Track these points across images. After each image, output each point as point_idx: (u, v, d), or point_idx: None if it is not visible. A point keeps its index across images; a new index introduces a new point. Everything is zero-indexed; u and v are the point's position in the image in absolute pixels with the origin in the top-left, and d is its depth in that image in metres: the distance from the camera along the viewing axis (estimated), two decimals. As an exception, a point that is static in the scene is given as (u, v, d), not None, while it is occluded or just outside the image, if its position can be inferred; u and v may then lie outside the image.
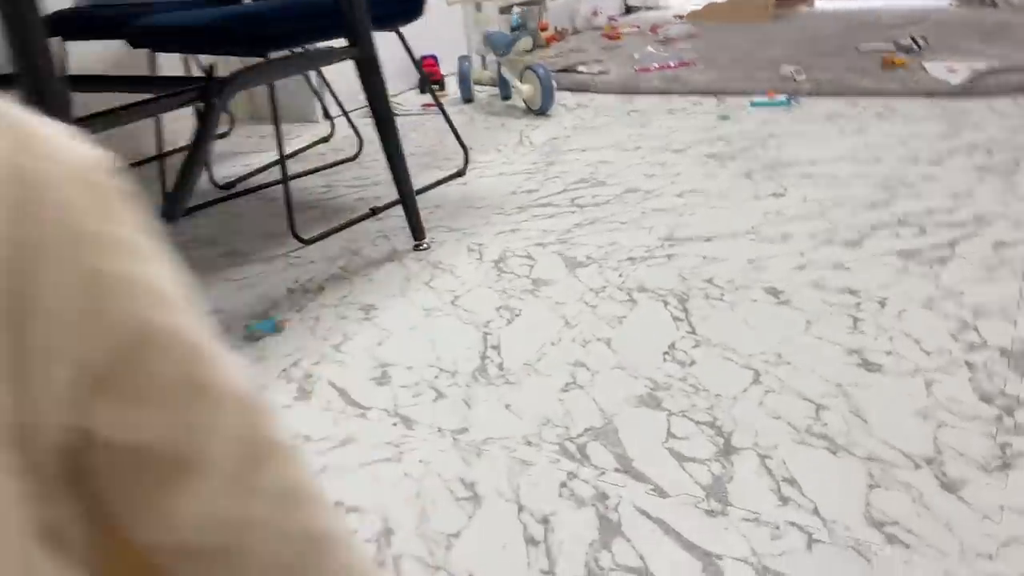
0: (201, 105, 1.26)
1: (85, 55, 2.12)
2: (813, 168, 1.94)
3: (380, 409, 1.15)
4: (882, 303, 1.30)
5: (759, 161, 2.03)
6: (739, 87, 2.68)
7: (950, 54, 2.74)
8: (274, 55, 1.53)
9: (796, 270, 1.44)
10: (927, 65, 2.60)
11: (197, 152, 1.18)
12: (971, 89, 2.35)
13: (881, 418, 1.03)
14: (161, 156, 2.09)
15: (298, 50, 1.75)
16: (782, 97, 2.52)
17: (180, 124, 2.47)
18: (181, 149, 2.49)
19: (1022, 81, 2.33)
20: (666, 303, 1.38)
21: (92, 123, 1.07)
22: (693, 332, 1.28)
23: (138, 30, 1.63)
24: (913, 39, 2.89)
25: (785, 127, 2.29)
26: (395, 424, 1.11)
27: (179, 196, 1.13)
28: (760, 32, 3.56)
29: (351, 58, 1.52)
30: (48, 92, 1.01)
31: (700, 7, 4.25)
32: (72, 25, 1.98)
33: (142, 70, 2.08)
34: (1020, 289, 1.29)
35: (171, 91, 1.22)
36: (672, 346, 1.24)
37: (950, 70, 2.51)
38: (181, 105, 1.24)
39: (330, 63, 1.56)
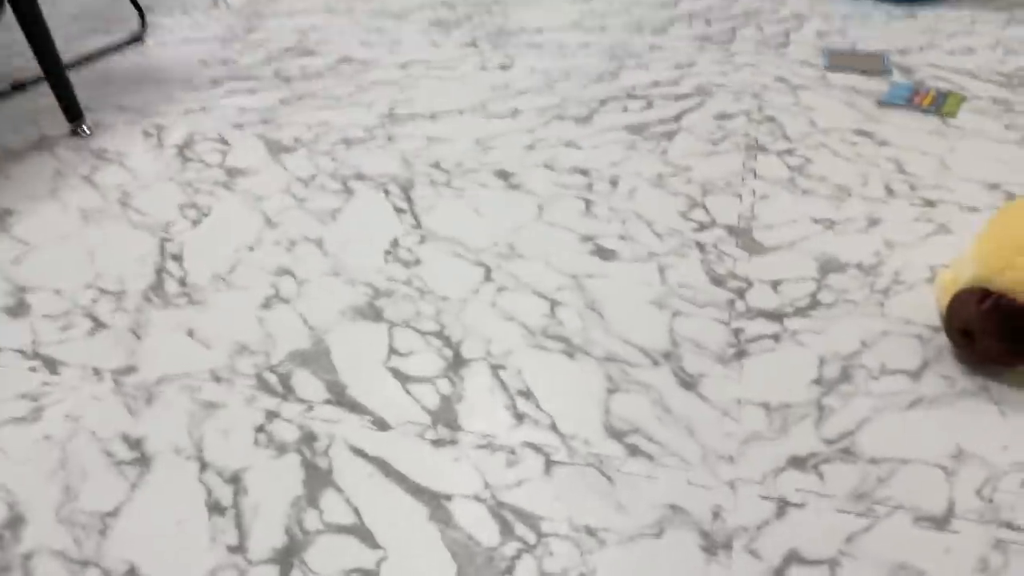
0: None
1: None
2: (540, 36, 1.81)
3: (12, 350, 0.87)
4: (614, 182, 1.22)
5: (484, 28, 1.86)
6: (462, -53, 2.47)
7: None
8: None
9: (526, 150, 1.32)
10: (647, -70, 2.54)
11: None
12: (689, -43, 2.33)
13: (617, 311, 0.95)
14: None
15: None
16: (507, -41, 2.35)
17: None
18: None
19: (734, -50, 2.35)
20: (387, 192, 1.20)
21: None
22: (418, 225, 1.11)
23: None
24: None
25: (511, -8, 2.13)
26: (33, 369, 0.85)
27: None
28: None
29: None
30: None
31: None
32: None
33: None
34: (743, 162, 1.27)
35: None
36: (395, 243, 1.07)
37: (669, -64, 2.47)
38: None
39: None
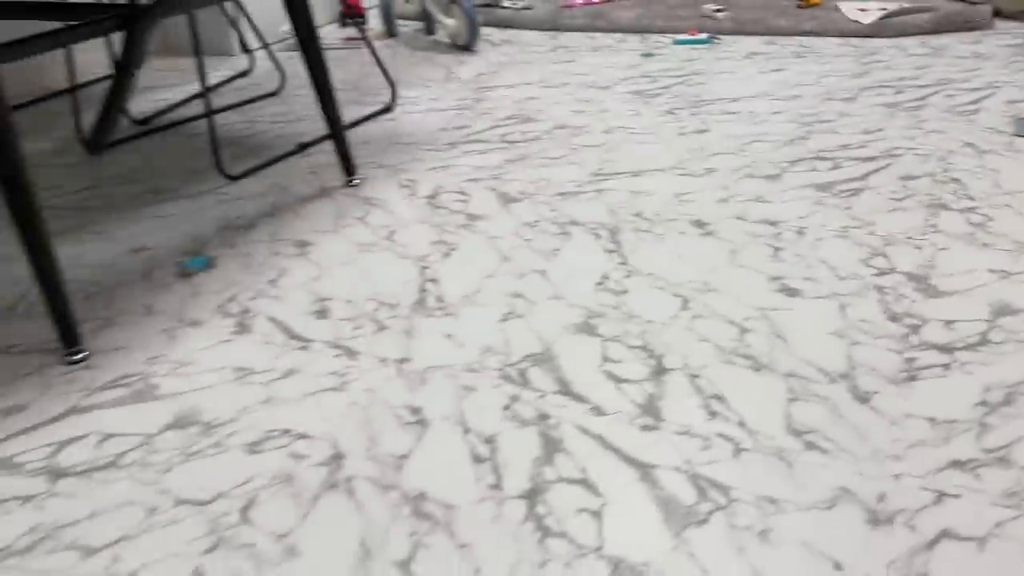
0: (120, 34, 1.21)
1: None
2: (734, 105, 2.00)
3: (321, 341, 1.16)
4: (800, 232, 1.37)
5: (683, 98, 2.08)
6: (662, 25, 2.72)
7: (862, -5, 2.84)
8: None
9: (720, 203, 1.50)
10: (841, 6, 2.68)
11: (122, 81, 1.14)
12: (881, 29, 2.44)
13: (799, 338, 1.10)
14: (73, 89, 2.00)
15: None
16: (704, 35, 2.56)
17: (90, 56, 2.36)
18: (91, 82, 2.38)
19: (927, 21, 2.44)
20: (598, 236, 1.42)
21: (13, 51, 1.02)
22: (624, 263, 1.32)
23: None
24: (828, -20, 2.97)
25: (707, 65, 2.34)
26: (337, 355, 1.13)
27: (104, 127, 1.10)
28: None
29: (277, -13, 1.47)
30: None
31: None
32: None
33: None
34: (925, 219, 1.38)
35: (90, 19, 1.16)
36: (605, 277, 1.29)
37: (861, 9, 2.59)
38: (103, 33, 1.19)
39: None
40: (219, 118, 2.12)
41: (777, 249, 1.33)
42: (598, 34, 2.79)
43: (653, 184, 1.60)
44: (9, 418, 1.03)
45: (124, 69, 1.19)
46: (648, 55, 2.49)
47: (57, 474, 0.93)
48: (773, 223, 1.42)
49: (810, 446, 0.91)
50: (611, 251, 1.36)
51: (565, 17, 2.89)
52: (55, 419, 1.02)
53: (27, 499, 0.90)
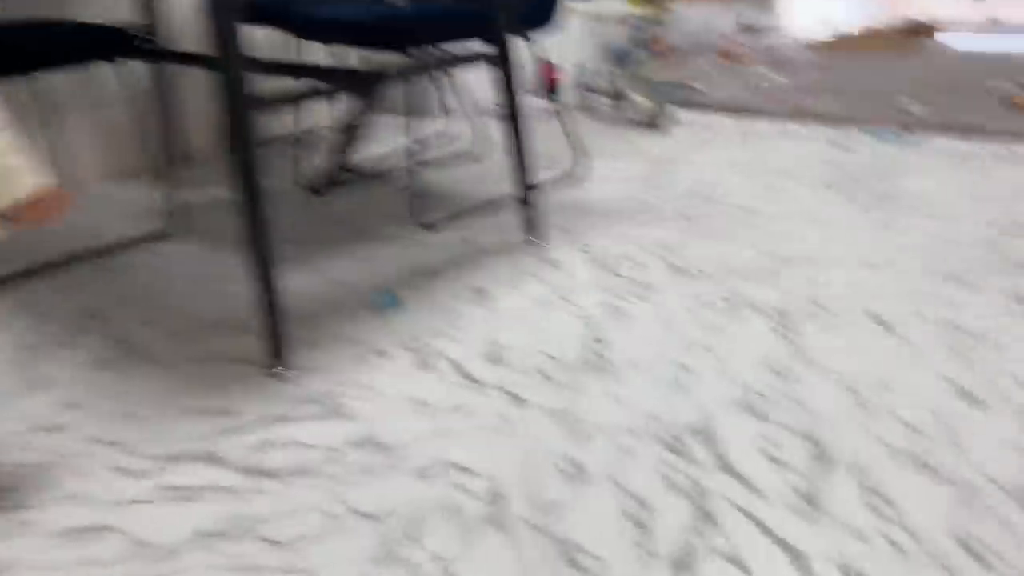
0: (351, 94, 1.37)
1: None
2: (928, 203, 1.94)
3: (493, 385, 1.24)
4: (988, 340, 1.32)
5: (873, 192, 2.04)
6: (857, 117, 2.68)
7: (1083, 101, 2.68)
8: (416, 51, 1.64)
9: (903, 299, 1.47)
10: (1057, 110, 2.54)
11: (350, 137, 1.29)
12: (1102, 138, 2.30)
13: (975, 447, 1.06)
14: (298, 136, 2.25)
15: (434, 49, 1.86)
16: (900, 131, 2.51)
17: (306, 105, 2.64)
18: (310, 130, 2.66)
19: None
20: (770, 318, 1.42)
21: (271, 103, 1.19)
22: (795, 348, 1.32)
23: (301, 21, 1.77)
24: (1045, 83, 2.83)
25: (902, 161, 2.29)
26: (506, 400, 1.20)
27: (332, 175, 1.24)
28: (882, 64, 3.53)
29: (491, 61, 1.61)
30: (234, 72, 1.14)
31: (829, 37, 4.22)
32: (245, 10, 2.15)
33: (281, 51, 2.23)
34: None
35: (334, 81, 1.33)
36: (775, 359, 1.29)
37: (1081, 117, 2.45)
38: (343, 92, 1.35)
39: (476, 64, 1.66)
40: (419, 171, 2.30)
41: (961, 354, 1.28)
42: (790, 122, 2.79)
43: (833, 273, 1.59)
44: (219, 418, 1.17)
45: (354, 127, 1.34)
46: (840, 146, 2.46)
47: (254, 472, 1.05)
48: (959, 327, 1.37)
49: (974, 556, 0.88)
50: (782, 335, 1.36)
51: (756, 103, 2.91)
52: (257, 424, 1.15)
53: (228, 490, 1.02)
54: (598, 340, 1.36)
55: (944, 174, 2.15)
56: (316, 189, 1.29)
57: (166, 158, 2.33)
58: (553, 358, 1.31)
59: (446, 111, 2.87)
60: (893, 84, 3.12)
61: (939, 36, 4.13)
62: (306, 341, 1.38)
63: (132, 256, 1.76)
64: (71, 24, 1.70)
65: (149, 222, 1.94)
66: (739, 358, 1.30)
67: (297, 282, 1.62)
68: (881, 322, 1.39)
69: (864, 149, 2.42)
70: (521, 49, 2.09)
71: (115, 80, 2.26)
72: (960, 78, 3.19)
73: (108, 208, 2.06)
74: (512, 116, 1.68)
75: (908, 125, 2.56)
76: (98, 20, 2.14)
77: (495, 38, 1.64)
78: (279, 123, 2.58)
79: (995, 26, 4.07)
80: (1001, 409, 1.14)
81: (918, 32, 3.96)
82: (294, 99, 1.23)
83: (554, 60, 3.30)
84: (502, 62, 1.63)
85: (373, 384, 1.25)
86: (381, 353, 1.34)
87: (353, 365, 1.30)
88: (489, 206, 2.01)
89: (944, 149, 2.38)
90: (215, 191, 2.14)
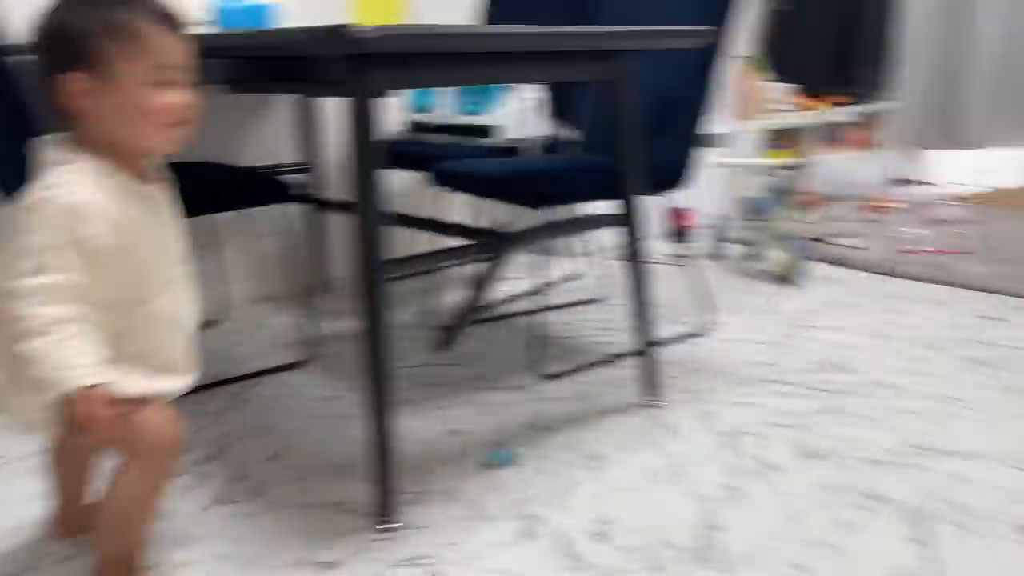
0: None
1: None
2: (1093, 395, 1.77)
3: (597, 567, 1.19)
4: None
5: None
6: (1016, 287, 2.52)
7: None
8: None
9: (1061, 513, 1.32)
10: None
11: (479, 294, 1.34)
12: None
13: None
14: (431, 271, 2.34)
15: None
16: (1064, 305, 2.33)
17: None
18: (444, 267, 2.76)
19: None
20: (904, 519, 1.31)
21: (403, 265, 1.26)
22: (934, 562, 1.21)
23: (442, 171, 1.87)
24: None
25: (1063, 341, 2.11)
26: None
27: (458, 330, 1.28)
28: (1045, 225, 3.33)
29: (621, 224, 1.64)
30: (370, 227, 1.21)
31: (987, 190, 4.05)
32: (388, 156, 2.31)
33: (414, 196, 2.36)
34: None
35: (466, 241, 1.40)
36: (906, 571, 1.18)
37: None
38: (473, 257, 1.41)
39: (605, 227, 1.69)
40: (543, 316, 2.33)
41: None
42: (939, 286, 2.65)
43: (981, 471, 1.46)
44: (324, 572, 1.19)
45: (486, 281, 1.39)
46: (995, 319, 2.31)
47: (347, 636, 1.05)
48: None
49: None
50: (919, 542, 1.25)
51: (901, 262, 2.80)
52: (357, 581, 1.16)
53: (319, 653, 1.02)
54: (711, 526, 1.30)
55: (1115, 361, 1.96)
56: (444, 331, 1.32)
57: (308, 287, 2.48)
58: (664, 541, 1.26)
59: (573, 253, 2.92)
60: (1057, 251, 2.92)
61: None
62: (416, 494, 1.39)
63: (266, 385, 1.85)
64: (238, 171, 1.87)
65: (286, 350, 2.05)
66: (865, 564, 1.20)
67: (413, 425, 1.64)
68: (1034, 538, 1.26)
69: (1021, 324, 2.26)
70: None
71: (270, 214, 2.46)
72: None
73: (250, 334, 2.20)
74: (635, 274, 1.68)
75: (1073, 300, 2.38)
76: (263, 162, 2.35)
77: (628, 200, 1.67)
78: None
79: None
80: None
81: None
82: (424, 259, 1.29)
83: (687, 205, 3.32)
84: (630, 224, 1.65)
85: (477, 551, 1.23)
86: (489, 518, 1.33)
87: (459, 528, 1.30)
88: (610, 358, 1.99)
89: (1116, 330, 2.18)
90: (353, 321, 2.24)
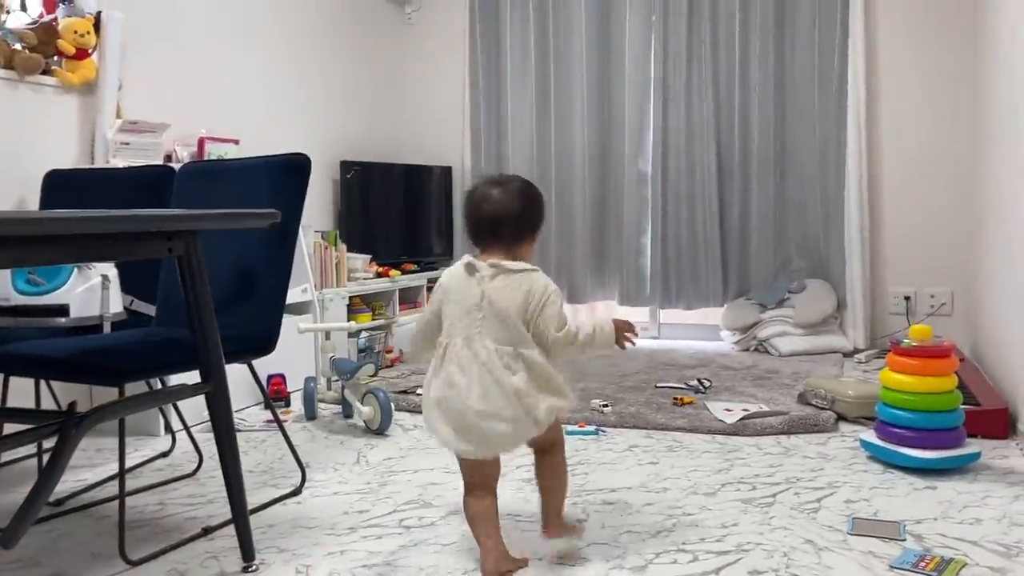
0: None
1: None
2: (612, 495, 2.22)
3: None
4: (657, 626, 1.50)
5: (568, 488, 2.29)
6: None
7: (729, 395, 3.25)
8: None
9: (590, 594, 1.64)
10: (709, 405, 3.07)
11: (47, 482, 1.29)
12: (741, 428, 2.79)
13: None
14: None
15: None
16: (592, 427, 2.87)
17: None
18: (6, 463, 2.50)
19: (782, 423, 2.81)
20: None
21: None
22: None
23: (7, 356, 1.77)
24: (699, 380, 3.42)
25: (592, 455, 2.60)
26: None
27: (21, 524, 1.22)
28: (578, 365, 4.06)
29: (204, 394, 1.71)
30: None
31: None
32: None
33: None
34: (767, 613, 1.54)
35: (32, 424, 1.35)
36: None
37: (727, 410, 2.97)
38: (42, 439, 1.36)
39: (183, 398, 1.74)
40: (132, 499, 2.22)
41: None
42: (500, 422, 3.07)
43: (534, 574, 1.74)
44: None
45: (51, 472, 1.35)
46: (542, 444, 2.75)
47: None
48: (635, 616, 1.55)
49: None
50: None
51: (471, 405, 3.20)
52: None
53: None
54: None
55: (626, 467, 2.47)
56: (4, 541, 1.24)
57: None
58: None
59: (168, 429, 2.85)
60: (584, 382, 3.58)
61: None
62: None
63: None
64: None
65: None
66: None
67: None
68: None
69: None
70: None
71: None
72: (637, 376, 3.74)
73: None
74: (224, 443, 1.75)
75: (597, 422, 2.94)
76: None
77: (210, 371, 1.75)
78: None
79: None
80: None
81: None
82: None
83: (282, 372, 3.44)
84: (214, 393, 1.73)
85: None
86: None
87: None
88: (205, 533, 1.98)
89: (626, 443, 2.74)
90: None
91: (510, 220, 1.74)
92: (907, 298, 4.38)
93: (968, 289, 4.12)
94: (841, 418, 2.92)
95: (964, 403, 2.50)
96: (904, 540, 1.85)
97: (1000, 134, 3.18)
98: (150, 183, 2.62)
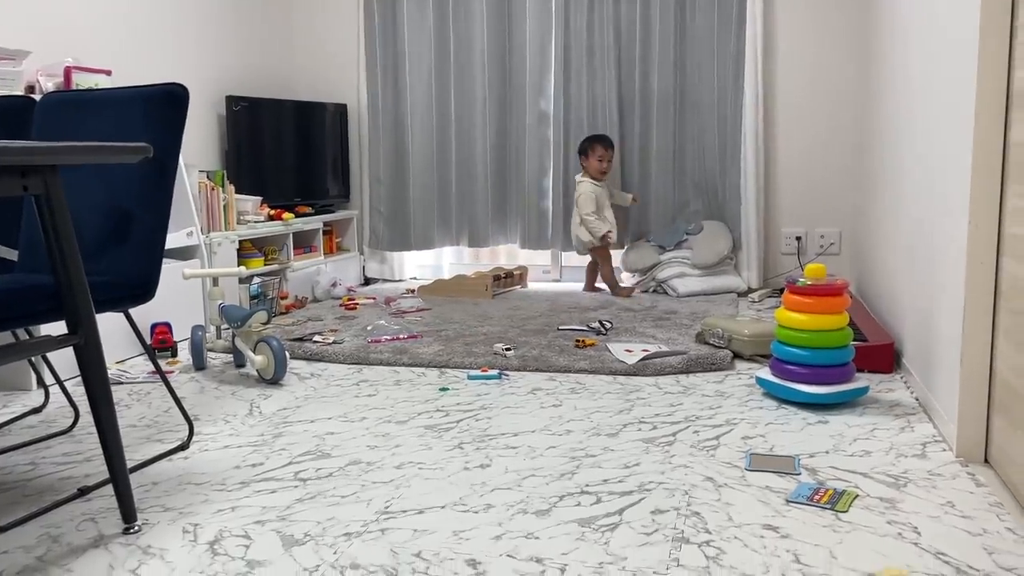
0: None
1: None
2: (515, 439, 2.19)
3: None
4: (562, 570, 1.49)
5: (471, 433, 2.25)
6: (459, 361, 2.98)
7: (629, 336, 3.27)
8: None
9: (494, 540, 1.61)
10: (610, 346, 3.08)
11: None
12: (642, 369, 2.81)
13: None
14: None
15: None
16: (494, 371, 2.84)
17: None
18: None
19: (681, 362, 2.84)
20: (376, 580, 1.46)
21: None
22: (397, 609, 1.36)
23: None
24: (601, 322, 3.42)
25: (495, 399, 2.57)
26: None
27: None
28: (480, 309, 4.01)
29: (72, 345, 1.56)
30: None
31: (426, 281, 4.71)
32: None
33: None
34: (669, 552, 1.54)
35: None
36: (376, 625, 1.32)
37: (627, 351, 2.99)
38: None
39: (47, 351, 1.58)
40: (1, 459, 2.05)
41: (540, 588, 1.43)
42: (401, 368, 3.01)
43: (435, 521, 1.70)
44: None
45: None
46: (444, 389, 2.70)
47: None
48: (540, 560, 1.53)
49: None
50: (386, 597, 1.41)
51: (371, 351, 3.11)
52: None
53: None
54: (195, 637, 1.29)
55: (529, 410, 2.45)
56: None
57: None
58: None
59: (41, 383, 2.64)
60: (487, 327, 3.54)
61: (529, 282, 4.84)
62: None
63: None
64: None
65: None
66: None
67: None
68: (476, 566, 1.51)
69: (465, 391, 2.68)
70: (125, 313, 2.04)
71: None
72: (539, 320, 3.73)
73: None
74: (98, 397, 1.61)
75: (500, 366, 2.91)
76: None
77: (78, 321, 1.60)
78: None
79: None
80: (572, 638, 1.28)
81: (504, 277, 4.59)
82: None
83: (168, 320, 3.25)
84: (85, 343, 1.58)
85: None
86: None
87: None
88: (81, 493, 1.84)
89: (529, 386, 2.72)
90: None
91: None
92: (798, 238, 4.51)
93: (855, 230, 4.26)
94: (737, 356, 2.98)
95: (853, 339, 2.58)
96: (799, 474, 1.90)
97: (890, 77, 3.25)
98: (8, 116, 2.37)
